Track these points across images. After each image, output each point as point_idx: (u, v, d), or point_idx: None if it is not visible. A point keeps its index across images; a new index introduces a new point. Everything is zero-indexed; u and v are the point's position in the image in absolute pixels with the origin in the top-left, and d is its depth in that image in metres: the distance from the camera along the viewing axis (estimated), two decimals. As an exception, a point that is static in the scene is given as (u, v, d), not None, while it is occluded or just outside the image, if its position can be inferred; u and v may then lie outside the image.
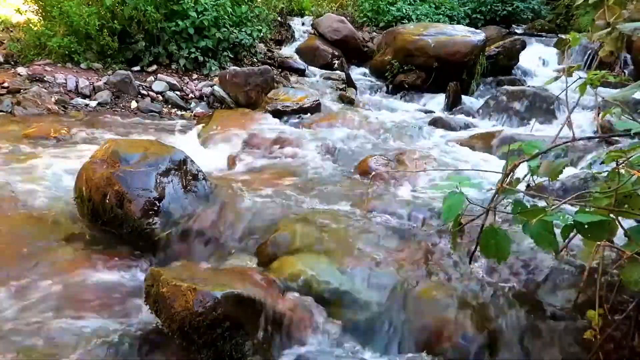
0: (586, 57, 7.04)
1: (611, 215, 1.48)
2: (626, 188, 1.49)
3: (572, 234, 1.52)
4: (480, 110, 5.60)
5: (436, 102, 6.27)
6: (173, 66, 6.30)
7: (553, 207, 1.43)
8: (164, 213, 2.57)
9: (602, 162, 1.66)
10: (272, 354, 1.85)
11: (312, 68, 7.41)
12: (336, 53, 7.83)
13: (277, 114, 5.17)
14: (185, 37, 6.20)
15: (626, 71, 6.44)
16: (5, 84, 5.24)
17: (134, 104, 5.57)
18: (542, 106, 5.09)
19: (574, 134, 1.73)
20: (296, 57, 7.60)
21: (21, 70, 5.61)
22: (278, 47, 7.96)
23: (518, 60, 7.23)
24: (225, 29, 6.41)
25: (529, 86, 5.96)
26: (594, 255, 1.48)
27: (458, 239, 1.96)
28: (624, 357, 1.66)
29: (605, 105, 1.94)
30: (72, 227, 2.73)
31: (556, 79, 2.03)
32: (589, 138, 3.43)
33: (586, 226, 1.41)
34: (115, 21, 5.91)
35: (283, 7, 8.55)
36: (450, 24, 9.11)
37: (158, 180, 2.63)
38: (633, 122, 1.70)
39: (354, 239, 2.39)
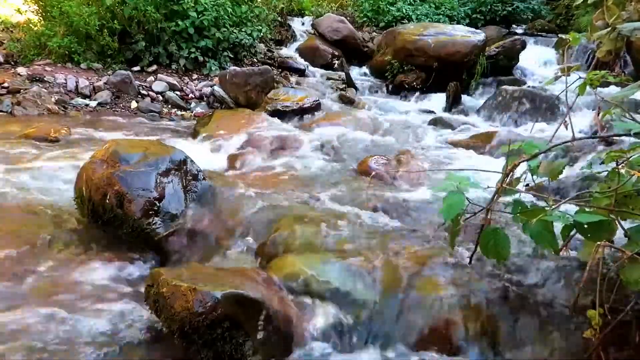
0: (586, 57, 7.03)
1: (611, 215, 1.48)
2: (626, 188, 1.49)
3: (571, 233, 1.52)
4: (480, 111, 5.60)
5: (436, 102, 6.27)
6: (173, 66, 6.30)
7: (553, 207, 1.44)
8: (164, 213, 2.57)
9: (602, 162, 1.66)
10: (272, 354, 1.85)
11: (312, 68, 7.41)
12: (336, 53, 7.83)
13: (277, 114, 5.16)
14: (185, 37, 6.21)
15: (626, 71, 6.43)
16: (5, 84, 5.24)
17: (134, 104, 5.58)
18: (542, 106, 5.09)
19: (573, 134, 1.73)
20: (296, 57, 7.60)
21: (21, 70, 5.61)
22: (278, 47, 7.96)
23: (518, 60, 7.22)
24: (225, 29, 6.41)
25: (529, 86, 5.96)
26: (594, 255, 1.48)
27: (458, 238, 1.96)
28: (623, 356, 1.66)
29: (605, 106, 1.94)
30: (72, 228, 2.73)
31: (556, 79, 2.03)
32: (589, 138, 3.43)
33: (586, 226, 1.42)
34: (115, 21, 5.92)
35: (283, 7, 8.55)
36: (450, 24, 9.11)
37: (158, 181, 2.63)
38: (633, 122, 1.70)
39: (354, 238, 2.39)
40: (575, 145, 3.53)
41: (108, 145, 2.82)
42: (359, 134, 4.56)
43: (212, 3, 6.23)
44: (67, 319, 2.02)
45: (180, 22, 6.07)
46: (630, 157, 1.52)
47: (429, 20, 9.31)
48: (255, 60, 7.02)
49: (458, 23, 9.62)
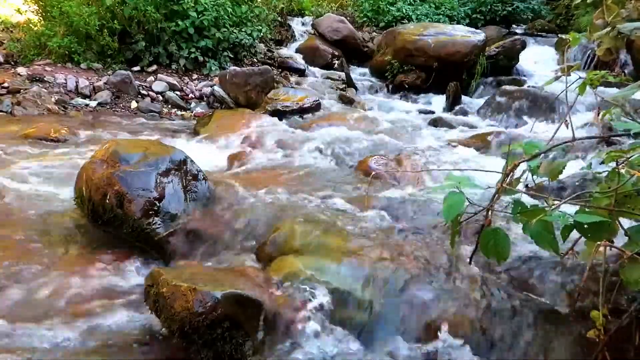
0: (586, 57, 7.04)
1: (611, 215, 1.48)
2: (626, 188, 1.49)
3: (577, 237, 1.51)
4: (481, 111, 5.60)
5: (436, 102, 6.27)
6: (173, 66, 6.30)
7: (553, 207, 1.43)
8: (164, 213, 2.57)
9: (602, 162, 1.66)
10: (271, 354, 1.85)
11: (312, 68, 7.41)
12: (336, 53, 7.83)
13: (277, 114, 5.16)
14: (185, 37, 6.21)
15: (626, 71, 6.43)
16: (5, 84, 5.25)
17: (134, 104, 5.58)
18: (542, 106, 5.09)
19: (574, 134, 1.73)
20: (296, 57, 7.60)
21: (21, 70, 5.61)
22: (278, 47, 7.96)
23: (518, 60, 7.22)
24: (225, 29, 6.41)
25: (528, 86, 5.96)
26: (594, 255, 1.48)
27: (458, 238, 1.96)
28: (625, 357, 1.66)
29: (606, 106, 1.94)
30: (72, 228, 2.73)
31: (556, 79, 2.02)
32: (589, 138, 3.43)
33: (586, 226, 1.41)
34: (115, 21, 5.92)
35: (283, 7, 8.55)
36: (450, 24, 9.11)
37: (158, 181, 2.63)
38: (633, 122, 1.70)
39: (354, 238, 2.39)
40: (576, 145, 3.53)
41: (108, 145, 2.82)
42: (359, 134, 4.55)
43: (212, 3, 6.23)
44: (66, 318, 2.02)
45: (180, 22, 6.07)
46: (630, 157, 1.52)
47: (429, 20, 9.31)
48: (255, 60, 7.02)
49: (458, 23, 9.62)
